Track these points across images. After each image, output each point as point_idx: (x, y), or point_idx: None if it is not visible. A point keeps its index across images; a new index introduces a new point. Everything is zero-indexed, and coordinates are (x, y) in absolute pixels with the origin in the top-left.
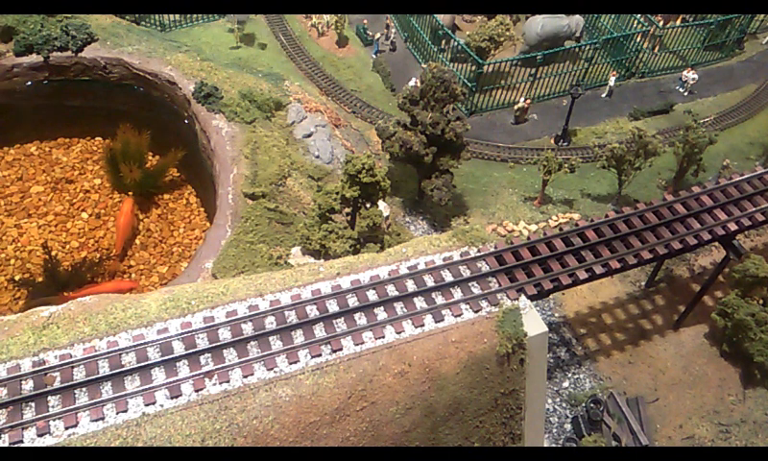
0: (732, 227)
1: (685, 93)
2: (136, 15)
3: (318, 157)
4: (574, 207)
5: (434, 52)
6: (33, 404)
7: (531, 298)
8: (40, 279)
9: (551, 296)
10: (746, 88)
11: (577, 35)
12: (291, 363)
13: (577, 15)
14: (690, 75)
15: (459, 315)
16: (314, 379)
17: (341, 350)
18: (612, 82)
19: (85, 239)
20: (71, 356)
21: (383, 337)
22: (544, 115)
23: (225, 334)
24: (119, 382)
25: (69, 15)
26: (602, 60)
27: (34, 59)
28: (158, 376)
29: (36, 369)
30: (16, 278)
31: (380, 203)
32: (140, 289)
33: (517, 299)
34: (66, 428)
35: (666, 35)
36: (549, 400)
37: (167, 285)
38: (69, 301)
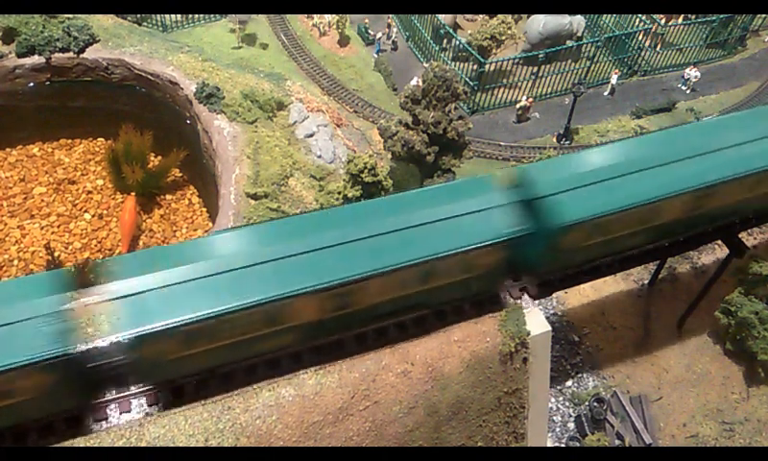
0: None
1: (688, 91)
2: (138, 16)
3: (320, 156)
4: None
5: (436, 51)
6: None
7: (534, 296)
8: None
9: (554, 295)
10: (748, 86)
11: (578, 34)
12: (294, 362)
13: (578, 15)
14: (693, 73)
15: (461, 314)
16: (317, 379)
17: (344, 349)
18: (614, 80)
19: (88, 240)
20: None
21: (386, 336)
22: (546, 114)
23: None
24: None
25: (71, 16)
26: (604, 59)
27: (36, 60)
28: None
29: None
30: None
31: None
32: None
33: (520, 298)
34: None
35: (668, 32)
36: (552, 399)
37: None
38: None
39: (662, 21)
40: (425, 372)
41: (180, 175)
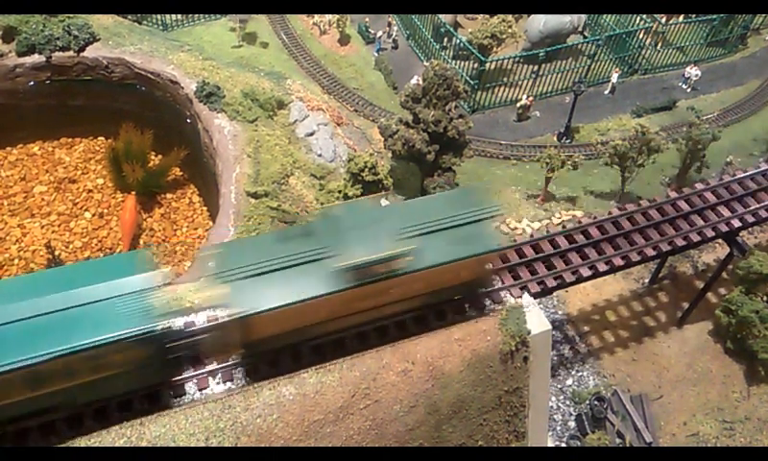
0: (736, 223)
1: (688, 90)
2: (138, 15)
3: (320, 155)
4: (577, 205)
5: (436, 50)
6: None
7: (534, 295)
8: None
9: (554, 294)
10: (749, 84)
11: (579, 29)
12: (294, 361)
13: None
14: (693, 71)
15: (462, 313)
16: (318, 378)
17: (344, 348)
18: (614, 78)
19: (89, 239)
20: None
21: (387, 335)
22: (547, 112)
23: None
24: None
25: (71, 15)
26: (605, 57)
27: (36, 59)
28: None
29: None
30: None
31: (383, 201)
32: None
33: (521, 296)
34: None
35: (669, 31)
36: (553, 398)
37: (170, 285)
38: None
39: (663, 20)
40: (426, 370)
41: (181, 174)
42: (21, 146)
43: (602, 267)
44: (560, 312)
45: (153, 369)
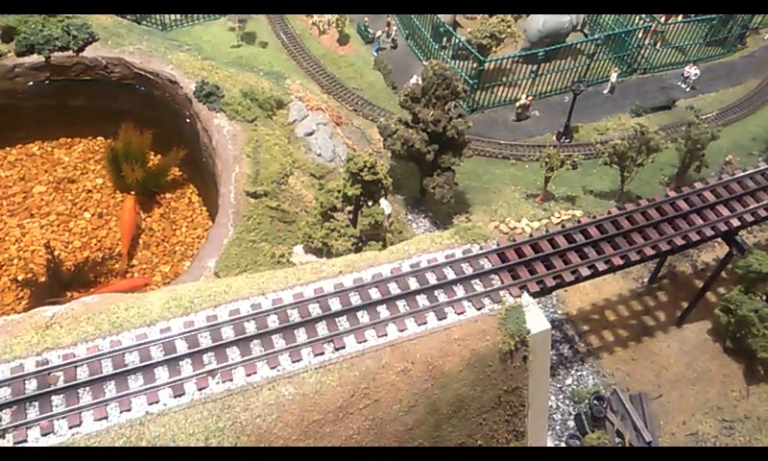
0: (735, 223)
1: (687, 89)
2: (137, 15)
3: (319, 155)
4: (576, 204)
5: (435, 49)
6: (36, 404)
7: (533, 295)
8: (43, 280)
9: (554, 293)
10: (748, 84)
11: (579, 28)
12: (294, 361)
13: None
14: (692, 71)
15: (461, 313)
16: (317, 378)
17: (344, 348)
18: (613, 78)
19: (88, 239)
20: (74, 356)
21: (386, 335)
22: (546, 112)
23: (228, 333)
24: (122, 381)
25: (70, 15)
26: (604, 57)
27: (35, 59)
28: (162, 375)
29: (40, 368)
30: (19, 278)
31: (382, 201)
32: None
33: (520, 296)
34: (70, 428)
35: (668, 30)
36: (552, 397)
37: (170, 284)
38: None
39: (662, 19)
40: (425, 370)
41: (180, 174)
42: (20, 146)
43: (601, 266)
44: (559, 312)
45: None
